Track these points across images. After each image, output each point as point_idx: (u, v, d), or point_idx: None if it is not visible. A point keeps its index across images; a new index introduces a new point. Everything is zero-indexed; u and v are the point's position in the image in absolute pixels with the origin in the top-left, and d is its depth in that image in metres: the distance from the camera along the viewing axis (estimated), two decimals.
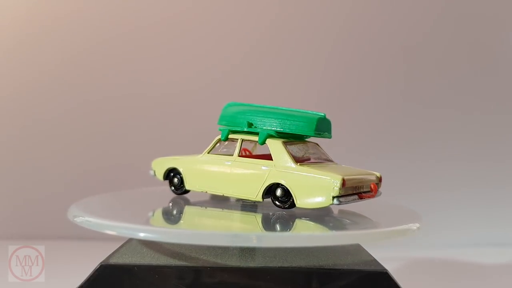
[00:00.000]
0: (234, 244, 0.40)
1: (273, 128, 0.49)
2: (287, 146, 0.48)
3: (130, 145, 0.89)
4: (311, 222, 0.45)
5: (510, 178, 0.91)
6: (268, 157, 0.49)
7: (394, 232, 0.40)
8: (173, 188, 0.54)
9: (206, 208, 0.52)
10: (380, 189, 0.50)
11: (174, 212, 0.51)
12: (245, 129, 0.50)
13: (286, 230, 0.43)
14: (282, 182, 0.46)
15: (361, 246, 0.47)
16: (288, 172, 0.46)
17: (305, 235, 0.41)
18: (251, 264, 0.40)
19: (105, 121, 0.89)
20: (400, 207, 0.52)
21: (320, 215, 0.47)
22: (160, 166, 0.55)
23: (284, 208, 0.47)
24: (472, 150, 0.90)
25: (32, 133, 0.89)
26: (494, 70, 0.90)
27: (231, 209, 0.51)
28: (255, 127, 0.49)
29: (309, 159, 0.48)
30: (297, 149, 0.49)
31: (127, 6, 0.88)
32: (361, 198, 0.46)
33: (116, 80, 0.89)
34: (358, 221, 0.48)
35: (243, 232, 0.41)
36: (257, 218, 0.47)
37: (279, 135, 0.49)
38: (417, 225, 0.42)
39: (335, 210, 0.51)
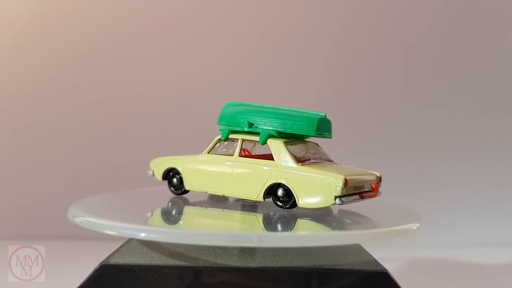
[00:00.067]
0: (234, 244, 0.40)
1: (274, 128, 0.49)
2: (288, 146, 0.48)
3: (130, 145, 0.89)
4: (312, 222, 0.45)
5: (510, 178, 0.91)
6: (267, 157, 0.49)
7: (394, 232, 0.40)
8: (172, 188, 0.54)
9: (206, 208, 0.52)
10: (380, 189, 0.50)
11: (174, 212, 0.51)
12: (246, 129, 0.50)
13: (288, 230, 0.43)
14: (284, 182, 0.46)
15: (361, 246, 0.47)
16: (289, 172, 0.46)
17: (305, 235, 0.41)
18: (251, 264, 0.40)
19: (105, 122, 0.89)
20: (400, 207, 0.52)
21: (320, 215, 0.47)
22: (158, 166, 0.55)
23: (285, 208, 0.47)
24: (472, 150, 0.90)
25: (32, 133, 0.89)
26: (494, 70, 0.90)
27: (231, 209, 0.51)
28: (256, 127, 0.49)
29: (309, 159, 0.49)
30: (298, 149, 0.49)
31: (127, 7, 0.88)
32: (362, 197, 0.46)
33: (116, 80, 0.89)
34: (358, 221, 0.48)
35: (244, 232, 0.41)
36: (258, 218, 0.47)
37: (280, 135, 0.49)
38: (417, 225, 0.42)
39: (335, 210, 0.51)
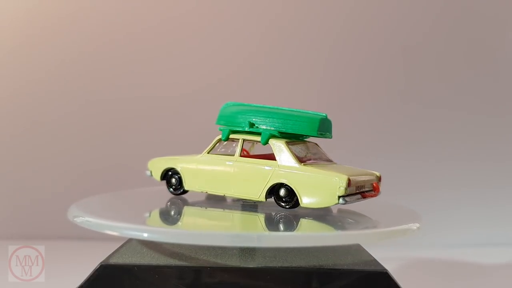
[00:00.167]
0: (235, 244, 0.40)
1: (275, 128, 0.49)
2: (290, 146, 0.48)
3: (131, 145, 0.89)
4: (315, 222, 0.45)
5: (510, 178, 0.91)
6: (267, 157, 0.49)
7: (394, 232, 0.40)
8: (171, 189, 0.54)
9: (206, 208, 0.52)
10: (380, 189, 0.50)
11: (175, 212, 0.51)
12: (247, 129, 0.50)
13: (291, 230, 0.43)
14: (287, 182, 0.46)
15: (361, 246, 0.47)
16: (292, 172, 0.46)
17: (305, 235, 0.41)
18: (251, 264, 0.40)
19: (106, 122, 0.89)
20: (400, 207, 0.52)
21: (320, 215, 0.47)
22: (157, 166, 0.55)
23: (287, 208, 0.47)
24: (472, 150, 0.90)
25: (33, 133, 0.89)
26: (494, 70, 0.90)
27: (231, 209, 0.51)
28: (257, 127, 0.49)
29: (310, 159, 0.49)
30: (299, 149, 0.49)
31: (127, 8, 0.88)
32: (364, 197, 0.46)
33: (116, 81, 0.89)
34: (358, 221, 0.48)
35: (245, 232, 0.41)
36: (260, 218, 0.47)
37: (281, 135, 0.49)
38: (417, 225, 0.42)
39: (335, 209, 0.51)
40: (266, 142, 0.48)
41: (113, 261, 0.40)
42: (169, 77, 0.89)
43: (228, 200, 0.54)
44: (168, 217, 0.50)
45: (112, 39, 0.88)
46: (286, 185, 0.46)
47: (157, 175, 0.55)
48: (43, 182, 0.88)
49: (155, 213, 0.50)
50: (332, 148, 0.56)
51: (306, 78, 0.90)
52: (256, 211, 0.49)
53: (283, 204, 0.47)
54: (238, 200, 0.53)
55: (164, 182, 0.55)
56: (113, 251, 0.43)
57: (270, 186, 0.47)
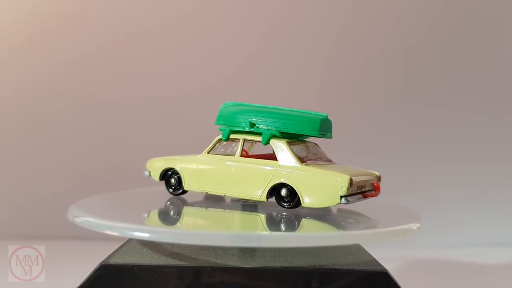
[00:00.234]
0: (235, 244, 0.40)
1: (276, 129, 0.49)
2: (291, 146, 0.48)
3: (131, 145, 0.89)
4: (315, 222, 0.45)
5: (510, 178, 0.91)
6: (266, 157, 0.49)
7: (394, 232, 0.40)
8: (171, 190, 0.54)
9: (206, 208, 0.52)
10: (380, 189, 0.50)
11: (175, 212, 0.51)
12: (248, 129, 0.50)
13: (292, 230, 0.43)
14: (288, 182, 0.46)
15: (361, 246, 0.47)
16: (294, 172, 0.46)
17: (305, 235, 0.41)
18: (251, 264, 0.40)
19: (106, 122, 0.89)
20: (400, 207, 0.52)
21: (320, 215, 0.48)
22: (156, 167, 0.55)
23: (288, 208, 0.47)
24: (472, 150, 0.90)
25: (33, 133, 0.89)
26: (494, 70, 0.90)
27: (232, 209, 0.51)
28: (258, 127, 0.49)
29: (311, 159, 0.49)
30: (300, 149, 0.49)
31: (127, 9, 0.88)
32: (364, 197, 0.46)
33: (116, 81, 0.89)
34: (358, 220, 0.48)
35: (245, 232, 0.41)
36: (261, 218, 0.47)
37: (282, 135, 0.49)
38: (417, 225, 0.42)
39: (334, 209, 0.51)
40: (267, 142, 0.48)
41: (113, 261, 0.40)
42: (169, 77, 0.89)
43: (228, 200, 0.54)
44: (168, 217, 0.50)
45: (112, 39, 0.88)
46: (288, 185, 0.46)
47: (155, 175, 0.55)
48: (43, 182, 0.88)
49: (155, 213, 0.50)
50: (332, 148, 0.56)
51: (306, 78, 0.90)
52: (256, 211, 0.49)
53: (285, 204, 0.47)
54: (238, 200, 0.53)
55: (162, 182, 0.55)
56: (113, 251, 0.43)
57: (272, 186, 0.47)
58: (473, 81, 0.90)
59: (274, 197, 0.47)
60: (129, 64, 0.89)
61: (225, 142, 0.51)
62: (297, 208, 0.47)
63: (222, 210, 0.51)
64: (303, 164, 0.46)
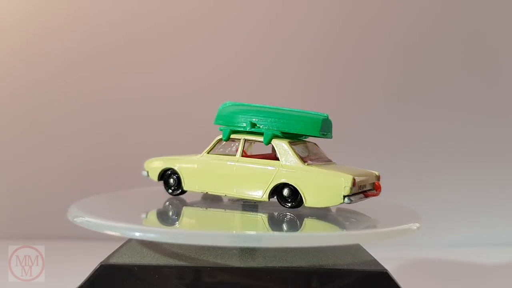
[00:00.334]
0: (235, 245, 0.40)
1: (277, 129, 0.49)
2: (293, 146, 0.48)
3: (131, 145, 0.89)
4: (316, 222, 0.45)
5: (510, 178, 0.91)
6: (266, 156, 0.49)
7: (394, 232, 0.41)
8: (170, 190, 0.54)
9: (206, 208, 0.52)
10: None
11: (175, 212, 0.51)
12: (248, 129, 0.49)
13: (294, 230, 0.43)
14: (291, 182, 0.46)
15: (361, 246, 0.47)
16: (296, 172, 0.46)
17: (304, 235, 0.41)
18: (251, 264, 0.40)
19: (105, 122, 0.89)
20: (400, 207, 0.52)
21: (320, 215, 0.48)
22: (154, 167, 0.55)
23: (290, 207, 0.47)
24: (472, 150, 0.90)
25: (32, 133, 0.89)
26: (494, 70, 0.90)
27: (232, 209, 0.51)
28: (258, 127, 0.49)
29: (312, 159, 0.49)
30: (301, 149, 0.49)
31: (127, 9, 0.88)
32: (366, 196, 0.47)
33: (116, 81, 0.89)
34: (358, 220, 0.48)
35: (246, 232, 0.41)
36: (263, 218, 0.47)
37: (283, 135, 0.49)
38: (417, 224, 0.42)
39: (334, 209, 0.51)
40: (269, 142, 0.48)
41: (113, 261, 0.40)
42: (169, 77, 0.89)
43: (228, 200, 0.54)
44: (169, 217, 0.50)
45: (112, 39, 0.88)
46: (290, 185, 0.46)
47: (154, 176, 0.55)
48: (43, 182, 0.88)
49: (155, 213, 0.50)
50: (332, 148, 0.56)
51: (306, 78, 0.90)
52: (257, 211, 0.49)
53: (287, 204, 0.47)
54: (238, 200, 0.53)
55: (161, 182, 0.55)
56: (113, 251, 0.43)
57: (274, 186, 0.47)
58: (473, 81, 0.90)
59: (276, 197, 0.47)
60: (129, 64, 0.89)
61: (225, 142, 0.51)
62: (299, 208, 0.47)
63: (223, 210, 0.51)
64: (305, 164, 0.46)
